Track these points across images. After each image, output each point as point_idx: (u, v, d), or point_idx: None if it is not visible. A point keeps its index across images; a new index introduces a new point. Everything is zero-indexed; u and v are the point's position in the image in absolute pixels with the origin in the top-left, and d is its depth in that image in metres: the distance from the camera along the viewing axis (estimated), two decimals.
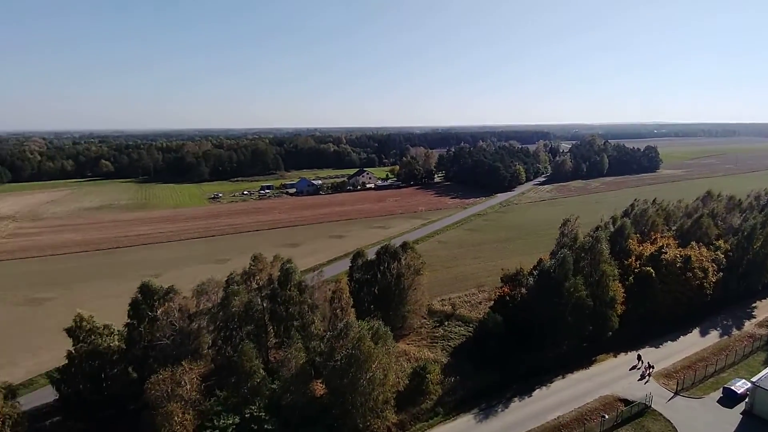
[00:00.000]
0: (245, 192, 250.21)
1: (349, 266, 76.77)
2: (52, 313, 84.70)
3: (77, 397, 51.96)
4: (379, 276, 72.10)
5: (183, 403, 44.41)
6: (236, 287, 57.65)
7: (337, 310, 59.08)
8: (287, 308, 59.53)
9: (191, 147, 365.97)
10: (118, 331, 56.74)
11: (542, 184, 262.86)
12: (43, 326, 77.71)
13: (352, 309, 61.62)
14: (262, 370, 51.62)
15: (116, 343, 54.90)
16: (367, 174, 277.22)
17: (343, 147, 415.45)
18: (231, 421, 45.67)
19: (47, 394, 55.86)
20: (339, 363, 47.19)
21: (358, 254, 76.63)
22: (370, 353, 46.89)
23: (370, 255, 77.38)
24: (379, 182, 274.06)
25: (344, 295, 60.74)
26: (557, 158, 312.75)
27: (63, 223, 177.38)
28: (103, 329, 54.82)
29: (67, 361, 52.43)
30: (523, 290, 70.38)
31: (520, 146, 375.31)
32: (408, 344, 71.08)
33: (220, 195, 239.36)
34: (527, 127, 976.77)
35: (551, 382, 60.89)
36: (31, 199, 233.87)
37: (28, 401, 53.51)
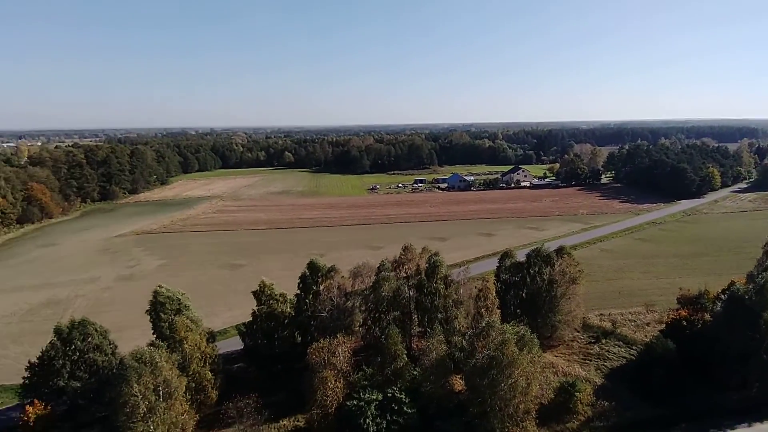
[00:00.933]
0: (399, 185, 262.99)
1: (497, 266, 75.10)
2: (243, 277, 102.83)
3: (256, 349, 62.55)
4: (528, 280, 68.95)
5: (336, 371, 49.79)
6: (387, 273, 61.79)
7: (482, 309, 58.67)
8: (432, 300, 61.43)
9: (356, 142, 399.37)
10: (290, 299, 66.09)
11: (743, 191, 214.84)
12: (236, 287, 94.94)
13: (498, 310, 60.45)
14: (405, 356, 54.56)
15: (288, 309, 64.10)
16: (523, 171, 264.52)
17: (498, 143, 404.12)
18: (375, 397, 49.50)
19: (236, 343, 68.33)
20: (479, 362, 47.04)
21: (506, 254, 74.44)
22: (513, 358, 45.58)
23: (520, 257, 74.36)
24: (535, 180, 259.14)
25: (490, 295, 59.95)
26: (766, 161, 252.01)
27: (255, 204, 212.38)
28: (279, 296, 64.51)
29: (251, 319, 63.43)
30: (706, 316, 59.69)
31: (716, 145, 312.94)
32: (556, 356, 66.71)
33: (378, 186, 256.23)
34: (728, 122, 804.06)
35: (733, 429, 50.79)
36: (234, 183, 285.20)
37: (222, 346, 66.11)
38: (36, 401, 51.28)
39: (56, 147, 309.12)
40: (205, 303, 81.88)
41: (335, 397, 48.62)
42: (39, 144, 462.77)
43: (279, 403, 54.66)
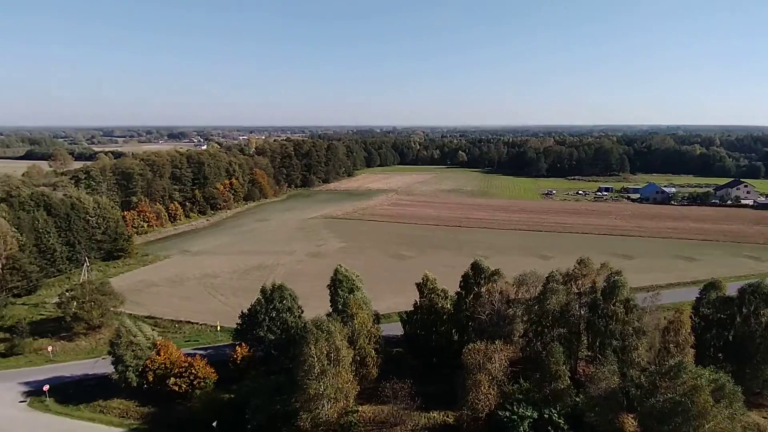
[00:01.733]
0: (580, 192, 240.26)
1: (696, 297, 63.01)
2: (409, 268, 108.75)
3: (415, 338, 65.78)
4: (738, 319, 56.15)
5: (490, 377, 49.06)
6: (556, 286, 57.69)
7: (670, 345, 50.26)
8: (607, 323, 55.10)
9: (534, 143, 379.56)
10: (450, 296, 67.38)
11: None
12: (402, 276, 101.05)
13: (692, 350, 50.92)
14: (567, 378, 50.42)
15: (448, 306, 65.56)
16: (745, 186, 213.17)
17: (714, 150, 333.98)
18: (530, 414, 47.13)
19: (397, 329, 72.99)
20: (661, 405, 40.52)
21: (711, 285, 61.75)
22: (705, 409, 38.03)
23: (731, 290, 60.92)
24: (762, 199, 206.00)
25: (683, 330, 50.91)
26: None
27: (426, 200, 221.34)
28: (441, 291, 66.45)
29: (412, 309, 66.87)
30: None
31: None
32: (765, 417, 53.06)
33: (554, 192, 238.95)
34: None
35: None
36: (409, 179, 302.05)
37: (384, 329, 71.32)
38: (243, 344, 63.89)
39: (274, 140, 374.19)
40: (374, 286, 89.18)
41: (487, 402, 48.00)
42: (263, 137, 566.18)
43: (431, 394, 56.59)
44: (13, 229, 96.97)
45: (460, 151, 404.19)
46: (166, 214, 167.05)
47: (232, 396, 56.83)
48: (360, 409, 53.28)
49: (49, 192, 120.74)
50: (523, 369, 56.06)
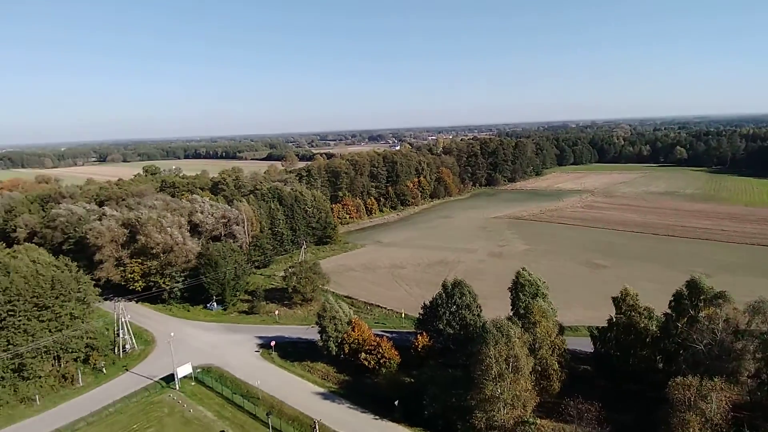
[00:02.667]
0: None
1: None
2: (603, 278, 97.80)
3: (607, 358, 59.11)
4: None
5: (703, 420, 40.96)
6: None
7: None
8: None
9: None
10: (656, 316, 58.26)
11: None
12: (594, 287, 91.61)
13: None
14: None
15: (652, 327, 56.89)
16: None
17: None
18: None
19: (584, 344, 66.71)
20: None
21: None
22: None
23: None
24: None
25: None
26: None
27: (628, 203, 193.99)
28: (643, 310, 58.03)
29: (606, 325, 60.19)
30: None
31: None
32: None
33: None
34: None
35: None
36: (608, 179, 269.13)
37: (570, 343, 65.96)
38: (424, 333, 67.82)
39: (461, 140, 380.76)
40: (560, 295, 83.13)
41: None
42: (450, 137, 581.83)
43: (624, 424, 50.19)
44: (257, 216, 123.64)
45: (677, 147, 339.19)
46: (364, 207, 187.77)
47: (412, 381, 61.06)
48: (539, 422, 50.91)
49: (281, 186, 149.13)
50: (751, 417, 44.98)
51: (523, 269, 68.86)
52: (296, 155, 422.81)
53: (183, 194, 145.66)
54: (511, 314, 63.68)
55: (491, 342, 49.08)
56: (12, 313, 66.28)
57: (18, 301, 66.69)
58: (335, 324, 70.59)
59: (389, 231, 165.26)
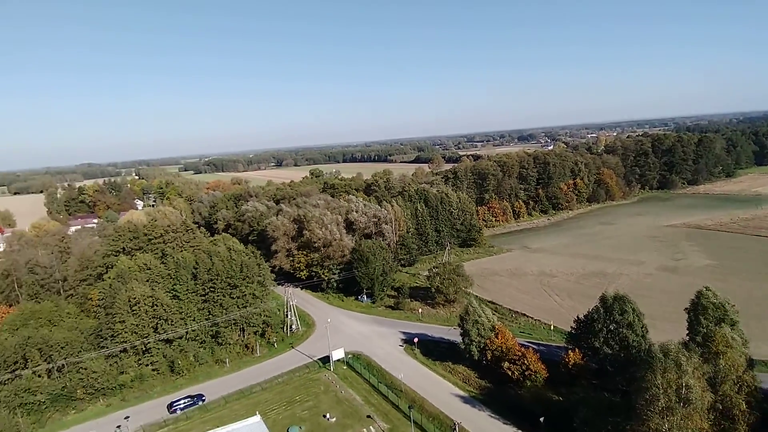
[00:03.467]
0: None
1: None
2: None
3: None
4: None
5: None
6: None
7: None
8: None
9: None
10: None
11: None
12: None
13: None
14: None
15: None
16: None
17: None
18: None
19: None
20: None
21: None
22: None
23: None
24: None
25: None
26: None
27: None
28: None
29: None
30: None
31: None
32: None
33: None
34: None
35: None
36: None
37: (764, 379, 53.80)
38: (576, 350, 62.59)
39: (627, 137, 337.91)
40: (753, 323, 68.42)
41: None
42: (614, 134, 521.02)
43: None
44: (404, 216, 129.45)
45: None
46: (511, 211, 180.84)
47: (560, 398, 56.99)
48: None
49: (428, 188, 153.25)
50: None
51: (707, 289, 58.40)
52: (442, 157, 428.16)
53: (341, 194, 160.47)
54: (686, 339, 54.59)
55: (659, 369, 42.87)
56: (212, 289, 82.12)
57: (217, 280, 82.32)
58: (478, 328, 69.88)
59: (538, 236, 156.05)
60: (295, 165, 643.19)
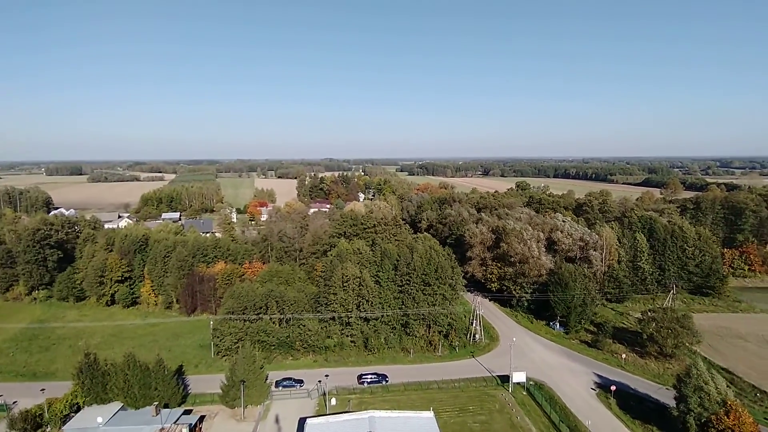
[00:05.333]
0: None
1: None
2: None
3: None
4: None
5: None
6: None
7: None
8: None
9: None
10: None
11: None
12: None
13: None
14: None
15: None
16: None
17: None
18: None
19: None
20: None
21: None
22: None
23: None
24: None
25: None
26: None
27: None
28: None
29: None
30: None
31: None
32: None
33: None
34: None
35: None
36: None
37: None
38: None
39: None
40: None
41: None
42: None
43: None
44: (619, 245, 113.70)
45: None
46: None
47: None
48: None
49: (656, 217, 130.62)
50: None
51: None
52: (682, 183, 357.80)
53: (547, 211, 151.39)
54: None
55: None
56: (408, 282, 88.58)
57: (413, 274, 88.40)
58: (701, 397, 56.46)
59: None
60: (502, 175, 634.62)
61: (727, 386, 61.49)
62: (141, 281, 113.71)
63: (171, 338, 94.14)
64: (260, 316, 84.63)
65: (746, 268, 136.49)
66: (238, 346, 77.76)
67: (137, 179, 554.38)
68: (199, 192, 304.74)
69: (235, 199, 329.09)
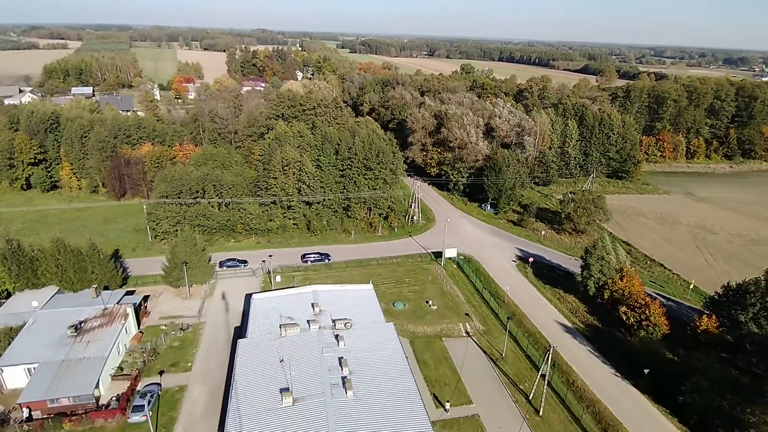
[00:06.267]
0: None
1: None
2: None
3: None
4: None
5: None
6: None
7: None
8: None
9: None
10: None
11: None
12: None
13: None
14: None
15: None
16: None
17: None
18: None
19: None
20: None
21: None
22: None
23: None
24: None
25: None
26: None
27: None
28: None
29: None
30: None
31: None
32: None
33: None
34: None
35: None
36: None
37: None
38: (714, 317, 55.46)
39: None
40: None
41: None
42: None
43: None
44: (551, 131, 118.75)
45: None
46: (685, 148, 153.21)
47: (675, 358, 52.91)
48: None
49: (588, 104, 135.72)
50: None
51: None
52: (617, 71, 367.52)
53: (488, 96, 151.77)
54: None
55: None
56: (350, 166, 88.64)
57: (355, 159, 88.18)
58: (602, 265, 65.55)
59: (710, 184, 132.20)
60: (447, 57, 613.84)
61: (626, 256, 71.45)
62: (58, 164, 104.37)
63: (102, 223, 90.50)
64: (197, 200, 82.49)
65: (658, 154, 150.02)
66: (177, 230, 76.71)
67: (35, 47, 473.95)
68: (112, 64, 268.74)
69: (156, 73, 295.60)
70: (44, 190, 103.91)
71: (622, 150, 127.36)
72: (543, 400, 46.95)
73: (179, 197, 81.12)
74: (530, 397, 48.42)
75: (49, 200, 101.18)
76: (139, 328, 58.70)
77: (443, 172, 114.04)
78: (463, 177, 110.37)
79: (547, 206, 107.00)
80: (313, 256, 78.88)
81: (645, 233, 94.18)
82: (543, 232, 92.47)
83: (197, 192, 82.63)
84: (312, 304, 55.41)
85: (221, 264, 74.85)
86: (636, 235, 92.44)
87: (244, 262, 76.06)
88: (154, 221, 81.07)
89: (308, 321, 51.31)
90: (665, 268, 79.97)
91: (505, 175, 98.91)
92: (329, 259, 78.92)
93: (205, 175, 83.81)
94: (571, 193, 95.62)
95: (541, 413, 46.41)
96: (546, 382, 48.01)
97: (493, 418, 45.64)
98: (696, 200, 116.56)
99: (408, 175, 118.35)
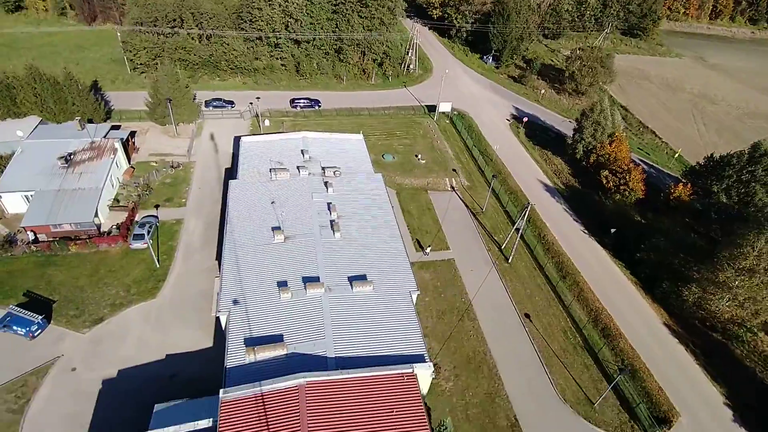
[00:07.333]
0: None
1: None
2: None
3: None
4: None
5: None
6: None
7: None
8: None
9: None
10: None
11: None
12: None
13: None
14: None
15: None
16: None
17: None
18: None
19: None
20: None
21: None
22: None
23: None
24: None
25: None
26: None
27: None
28: None
29: None
30: None
31: None
32: None
33: None
34: None
35: None
36: None
37: None
38: (689, 186, 57.69)
39: None
40: None
41: None
42: None
43: None
44: None
45: None
46: (712, 7, 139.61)
47: (643, 221, 56.61)
48: (761, 334, 44.21)
49: None
50: None
51: None
52: None
53: None
54: None
55: (762, 239, 39.86)
56: (343, 2, 79.67)
57: None
58: (595, 129, 65.15)
59: (726, 50, 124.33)
60: None
61: (621, 121, 70.58)
62: None
63: (75, 50, 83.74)
64: (175, 29, 75.36)
65: (682, 10, 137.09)
66: (157, 63, 71.68)
67: None
68: None
69: None
70: (8, 10, 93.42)
71: (643, 4, 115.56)
72: (514, 250, 51.25)
73: (156, 26, 73.82)
74: (502, 247, 52.73)
75: (16, 23, 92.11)
76: (129, 163, 59.10)
77: (447, 15, 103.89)
78: (467, 22, 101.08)
79: (552, 63, 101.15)
80: (302, 101, 76.08)
81: (645, 98, 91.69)
82: (542, 91, 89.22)
83: (174, 20, 75.01)
84: (302, 151, 55.47)
85: (207, 104, 72.11)
86: (636, 100, 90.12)
87: (231, 102, 73.30)
88: (130, 51, 75.13)
89: (298, 167, 51.98)
90: (656, 135, 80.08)
91: (514, 23, 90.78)
92: (319, 106, 76.47)
93: (181, 1, 74.99)
94: (579, 49, 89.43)
95: (509, 261, 51.11)
96: (519, 235, 51.81)
97: (467, 262, 50.25)
98: (705, 66, 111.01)
99: (408, 17, 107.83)
